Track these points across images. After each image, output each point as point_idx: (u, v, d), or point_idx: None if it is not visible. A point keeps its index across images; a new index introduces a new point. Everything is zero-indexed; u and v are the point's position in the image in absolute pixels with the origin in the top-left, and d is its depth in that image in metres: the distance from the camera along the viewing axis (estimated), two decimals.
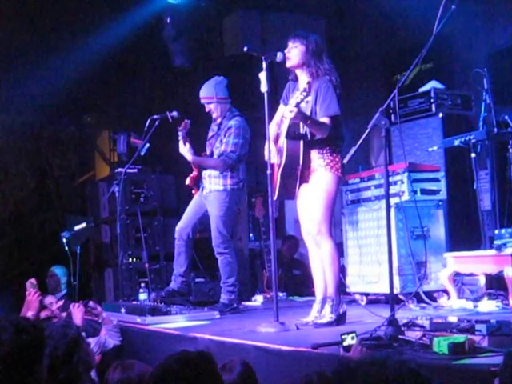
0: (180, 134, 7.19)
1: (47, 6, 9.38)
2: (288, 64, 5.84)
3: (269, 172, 5.56)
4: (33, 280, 6.53)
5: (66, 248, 9.13)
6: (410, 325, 4.50)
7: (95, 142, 11.93)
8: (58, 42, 9.65)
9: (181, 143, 7.23)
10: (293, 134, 5.60)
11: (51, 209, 11.80)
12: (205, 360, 2.98)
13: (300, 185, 5.66)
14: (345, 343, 4.11)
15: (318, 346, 4.40)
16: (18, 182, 11.79)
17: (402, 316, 4.88)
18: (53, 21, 9.42)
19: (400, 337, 4.34)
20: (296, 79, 5.89)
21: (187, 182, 7.56)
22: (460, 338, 4.00)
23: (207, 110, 7.39)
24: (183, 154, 7.28)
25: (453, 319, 4.49)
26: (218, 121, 7.40)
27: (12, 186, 11.71)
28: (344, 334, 4.15)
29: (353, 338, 4.12)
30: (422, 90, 8.16)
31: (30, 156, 11.96)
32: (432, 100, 7.91)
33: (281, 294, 8.57)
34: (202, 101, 7.39)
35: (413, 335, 4.33)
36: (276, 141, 5.84)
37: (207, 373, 2.94)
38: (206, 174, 7.37)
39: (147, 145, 7.87)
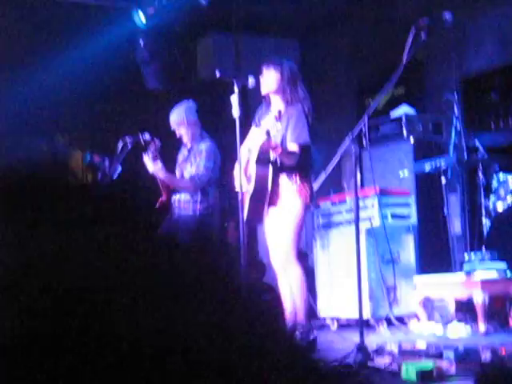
0: (150, 153, 7.11)
1: (18, 26, 9.36)
2: (263, 91, 5.87)
3: (240, 198, 5.57)
4: None
5: None
6: (379, 351, 4.52)
7: (68, 162, 11.86)
8: (29, 60, 9.61)
9: (149, 162, 7.14)
10: (262, 160, 5.62)
11: None
12: None
13: (268, 210, 5.67)
14: None
15: None
16: None
17: (373, 340, 4.90)
18: (25, 40, 9.39)
19: (369, 364, 4.36)
20: (269, 103, 5.92)
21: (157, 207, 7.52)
22: (428, 364, 4.02)
23: (178, 135, 7.36)
24: (155, 171, 7.15)
25: (421, 345, 4.51)
26: (189, 145, 7.36)
27: None
28: None
29: None
30: (393, 114, 8.22)
31: None
32: (403, 125, 7.97)
33: None
34: (173, 125, 7.36)
35: (382, 362, 4.35)
36: (247, 165, 5.85)
37: None
38: (175, 198, 7.35)
39: (119, 168, 7.83)
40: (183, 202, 7.28)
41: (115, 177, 7.89)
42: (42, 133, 11.36)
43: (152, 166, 7.15)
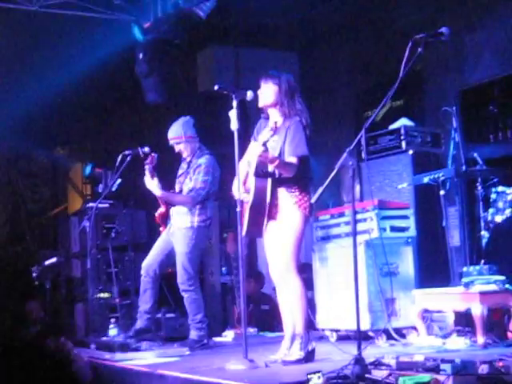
0: (147, 167, 7.15)
1: (23, 39, 9.40)
2: (260, 104, 5.89)
3: (238, 210, 5.58)
4: None
5: (36, 283, 9.10)
6: (377, 364, 4.53)
7: (68, 174, 11.91)
8: (28, 73, 9.66)
9: (148, 177, 7.16)
10: (261, 173, 5.64)
11: (23, 242, 11.74)
12: None
13: (267, 222, 5.69)
14: (311, 383, 4.12)
15: None
16: None
17: (371, 353, 4.91)
18: (23, 52, 9.43)
19: (366, 376, 4.36)
20: (268, 117, 5.93)
21: (156, 218, 7.56)
22: (425, 377, 4.03)
23: (177, 150, 7.41)
24: (151, 188, 7.21)
25: (419, 358, 4.52)
26: (188, 159, 7.42)
27: None
28: (310, 373, 4.16)
29: (319, 378, 4.14)
30: (392, 127, 8.23)
31: (2, 188, 11.91)
32: (402, 137, 8.00)
33: (252, 330, 8.57)
34: (171, 142, 7.41)
35: (379, 374, 4.35)
36: (246, 178, 5.87)
37: None
38: (173, 210, 7.37)
39: (118, 180, 7.88)
40: (181, 214, 7.31)
41: (115, 188, 7.94)
42: (42, 145, 11.42)
43: (149, 182, 7.19)
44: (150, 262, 7.35)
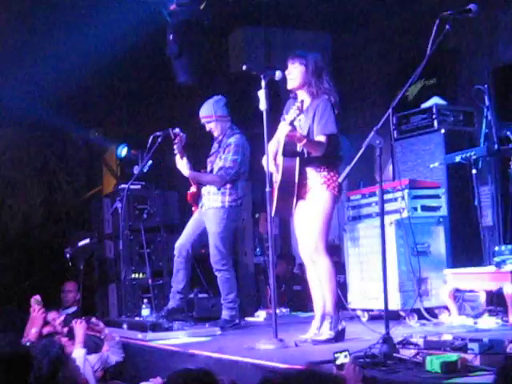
0: (176, 147, 7.19)
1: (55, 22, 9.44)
2: (289, 85, 5.88)
3: (268, 189, 5.60)
4: (37, 297, 6.57)
5: (70, 264, 9.17)
6: (405, 343, 4.52)
7: (103, 156, 11.97)
8: (62, 56, 9.69)
9: (177, 158, 7.25)
10: (289, 152, 5.63)
11: (58, 224, 11.84)
12: (208, 378, 3.02)
13: (297, 202, 5.69)
14: (338, 362, 4.11)
15: (313, 363, 4.42)
16: (26, 196, 11.84)
17: (401, 333, 4.90)
18: (56, 38, 9.46)
19: (394, 355, 4.36)
20: (296, 97, 5.92)
21: (187, 198, 7.59)
22: (452, 356, 4.02)
23: (207, 129, 7.44)
24: (180, 168, 7.30)
25: (447, 337, 4.51)
26: (219, 138, 7.45)
27: (20, 200, 11.76)
28: (337, 352, 4.17)
29: (346, 357, 4.14)
30: (424, 106, 8.17)
31: (38, 171, 12.01)
32: (434, 116, 7.92)
33: (284, 310, 8.60)
34: (202, 120, 7.45)
35: (407, 353, 4.35)
36: (276, 157, 5.87)
37: None
38: (205, 190, 7.39)
39: (150, 161, 7.93)
40: (212, 194, 7.33)
41: (146, 170, 8.00)
42: (77, 127, 11.49)
43: (178, 162, 7.27)
44: (182, 242, 7.39)
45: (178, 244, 7.42)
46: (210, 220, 7.31)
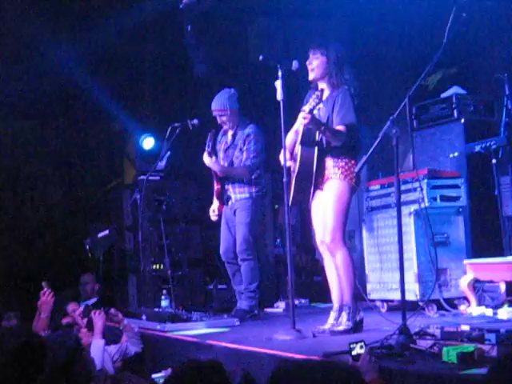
0: (209, 145, 7.27)
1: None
2: (310, 77, 5.86)
3: (285, 180, 5.59)
4: (45, 282, 6.60)
5: (90, 255, 9.20)
6: (422, 333, 4.50)
7: (124, 148, 11.99)
8: (84, 49, 9.73)
9: (206, 155, 7.27)
10: (307, 141, 5.61)
11: (79, 215, 11.88)
12: (216, 369, 3.01)
13: (314, 192, 5.67)
14: (353, 352, 4.10)
15: (329, 354, 4.41)
16: (48, 188, 11.88)
17: (420, 323, 4.88)
18: (79, 38, 9.50)
19: (411, 346, 4.34)
20: (317, 87, 5.89)
21: (212, 216, 7.56)
22: (469, 347, 3.99)
23: (219, 121, 7.49)
24: (210, 165, 7.34)
25: (465, 328, 4.47)
26: (231, 132, 7.53)
27: (42, 192, 11.80)
28: (352, 342, 4.15)
29: (361, 347, 4.12)
30: (443, 95, 8.11)
31: (59, 163, 12.05)
32: (454, 106, 7.86)
33: (303, 301, 8.59)
34: (215, 113, 7.50)
35: (424, 344, 4.33)
36: (294, 147, 5.85)
37: (218, 382, 2.96)
38: (229, 186, 7.47)
39: (168, 152, 7.94)
40: (238, 186, 7.42)
41: (165, 161, 8.02)
42: (98, 119, 11.52)
43: (208, 160, 7.29)
44: (224, 248, 7.52)
45: (221, 251, 7.56)
46: (238, 211, 7.41)
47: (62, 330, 6.04)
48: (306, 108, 5.44)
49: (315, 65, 5.80)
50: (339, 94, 5.70)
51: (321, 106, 5.56)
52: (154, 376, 5.41)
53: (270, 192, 9.55)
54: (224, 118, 7.47)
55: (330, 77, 5.78)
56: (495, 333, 4.08)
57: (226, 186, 7.47)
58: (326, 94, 5.71)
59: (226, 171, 7.45)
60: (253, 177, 7.39)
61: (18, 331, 3.23)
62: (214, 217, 7.49)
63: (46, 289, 6.52)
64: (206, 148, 7.25)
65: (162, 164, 8.28)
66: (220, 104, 7.46)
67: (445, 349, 3.99)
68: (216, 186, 7.51)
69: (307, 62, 5.82)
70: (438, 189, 6.94)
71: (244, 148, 7.37)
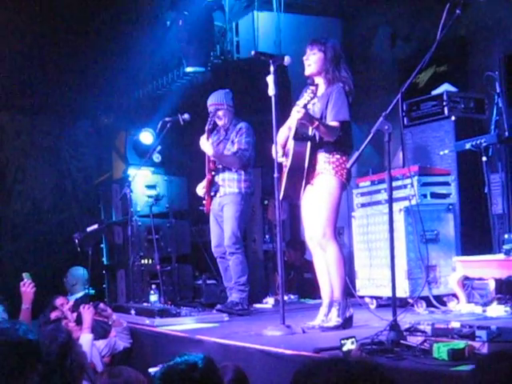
0: (210, 122, 7.41)
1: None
2: (307, 72, 5.85)
3: (276, 175, 5.57)
4: (26, 274, 6.58)
5: (79, 249, 9.17)
6: (412, 330, 4.49)
7: (113, 142, 11.97)
8: (76, 49, 9.71)
9: (203, 137, 7.41)
10: (300, 136, 5.61)
11: (68, 209, 11.87)
12: (208, 364, 2.99)
13: (305, 187, 5.66)
14: (344, 348, 4.10)
15: (319, 350, 4.40)
16: (37, 182, 11.87)
17: (409, 320, 4.88)
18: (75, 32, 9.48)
19: (401, 342, 4.34)
20: (313, 82, 5.88)
21: (199, 191, 7.61)
22: (460, 344, 3.99)
23: (215, 116, 7.55)
24: (204, 147, 7.44)
25: (455, 325, 4.47)
26: (225, 127, 7.66)
27: (30, 186, 11.78)
28: (343, 338, 4.14)
29: (352, 343, 4.12)
30: (434, 92, 8.11)
31: (49, 157, 12.03)
32: (445, 103, 7.86)
33: (292, 297, 8.61)
34: (212, 107, 7.60)
35: (414, 340, 4.32)
36: (286, 143, 5.85)
37: (211, 377, 2.95)
38: (219, 178, 7.55)
39: (159, 147, 7.95)
40: (228, 181, 7.50)
41: (155, 155, 8.02)
42: (87, 114, 11.51)
43: (204, 142, 7.42)
44: (215, 244, 7.60)
45: (213, 248, 7.63)
46: (227, 205, 7.48)
47: (52, 324, 6.00)
48: (300, 102, 5.44)
49: (312, 60, 5.80)
50: (334, 90, 5.69)
51: (315, 101, 5.56)
52: (150, 370, 5.39)
53: (260, 188, 9.55)
54: (220, 113, 7.59)
55: (326, 73, 5.78)
56: (486, 330, 4.08)
57: (217, 179, 7.52)
58: (322, 89, 5.73)
59: (219, 155, 7.52)
60: (242, 173, 7.48)
61: (12, 328, 3.19)
62: (201, 191, 7.62)
63: (25, 280, 6.49)
64: (207, 125, 7.40)
65: (151, 158, 8.25)
66: (218, 98, 7.61)
67: (435, 345, 3.99)
68: (207, 176, 7.57)
69: (304, 57, 5.82)
70: (429, 186, 6.96)
71: (236, 140, 7.51)
